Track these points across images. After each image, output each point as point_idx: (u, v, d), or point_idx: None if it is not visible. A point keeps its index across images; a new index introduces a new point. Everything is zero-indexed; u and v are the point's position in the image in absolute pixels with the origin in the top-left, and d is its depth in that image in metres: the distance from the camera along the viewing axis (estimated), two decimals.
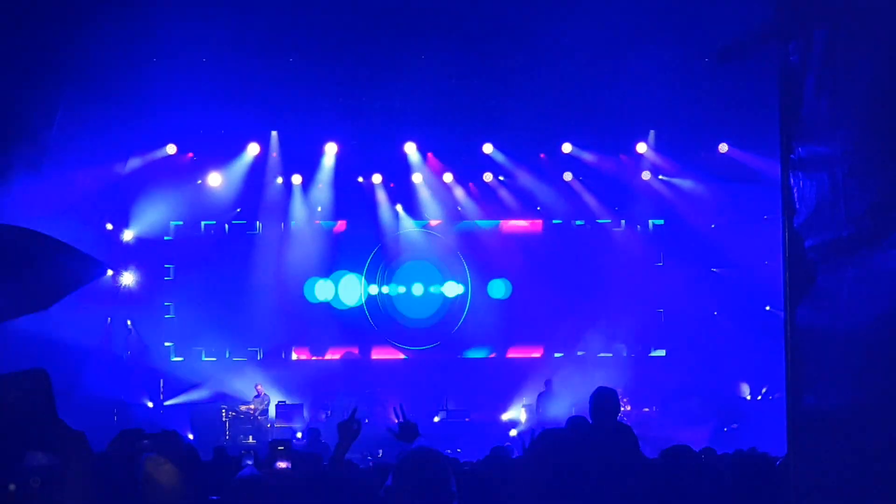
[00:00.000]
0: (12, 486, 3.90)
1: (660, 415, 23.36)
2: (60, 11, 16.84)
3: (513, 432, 22.94)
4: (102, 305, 23.27)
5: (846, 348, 4.08)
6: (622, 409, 23.27)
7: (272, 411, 23.42)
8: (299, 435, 21.56)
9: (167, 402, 23.83)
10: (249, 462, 10.67)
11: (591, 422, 9.16)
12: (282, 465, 6.63)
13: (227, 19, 20.51)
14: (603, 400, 9.23)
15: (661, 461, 7.87)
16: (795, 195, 4.30)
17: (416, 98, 23.25)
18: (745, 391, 24.21)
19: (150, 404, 23.53)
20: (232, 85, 22.64)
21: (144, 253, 24.40)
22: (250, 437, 21.97)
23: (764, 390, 24.13)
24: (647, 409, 23.44)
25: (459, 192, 25.60)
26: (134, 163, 23.01)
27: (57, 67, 18.47)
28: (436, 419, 23.32)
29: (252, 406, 23.42)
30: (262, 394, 23.68)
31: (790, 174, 4.35)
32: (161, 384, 24.16)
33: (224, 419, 22.97)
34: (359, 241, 26.01)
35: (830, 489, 4.36)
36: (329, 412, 23.30)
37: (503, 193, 25.60)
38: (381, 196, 25.55)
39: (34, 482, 3.92)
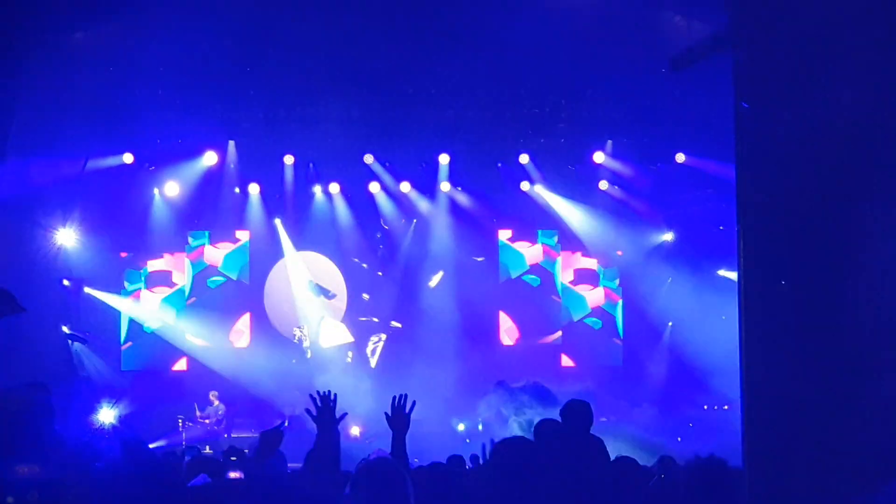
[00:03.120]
0: (10, 500, 3.85)
1: (616, 424, 23.35)
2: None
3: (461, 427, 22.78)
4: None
5: (800, 356, 4.09)
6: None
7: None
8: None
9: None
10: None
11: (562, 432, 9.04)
12: (234, 474, 6.55)
13: (186, 31, 20.53)
14: (574, 412, 9.12)
15: (611, 471, 7.84)
16: (750, 201, 4.31)
17: (374, 109, 23.30)
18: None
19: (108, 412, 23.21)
20: (189, 95, 22.64)
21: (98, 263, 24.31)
22: (207, 447, 21.80)
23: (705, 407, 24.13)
24: (604, 419, 23.40)
25: (419, 202, 25.46)
26: (93, 164, 22.90)
27: (19, 64, 18.53)
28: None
29: (207, 416, 23.32)
30: (216, 403, 23.55)
31: (745, 181, 4.36)
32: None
33: (180, 428, 22.82)
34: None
35: (785, 495, 4.36)
36: (287, 421, 23.01)
37: (460, 202, 25.53)
38: (341, 206, 25.39)
39: (31, 496, 3.86)
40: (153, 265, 25.18)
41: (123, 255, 24.92)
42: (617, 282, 26.23)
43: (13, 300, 4.39)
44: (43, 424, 3.90)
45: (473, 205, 25.48)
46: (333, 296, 25.86)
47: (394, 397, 7.32)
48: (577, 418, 9.11)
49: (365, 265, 25.67)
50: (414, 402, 7.30)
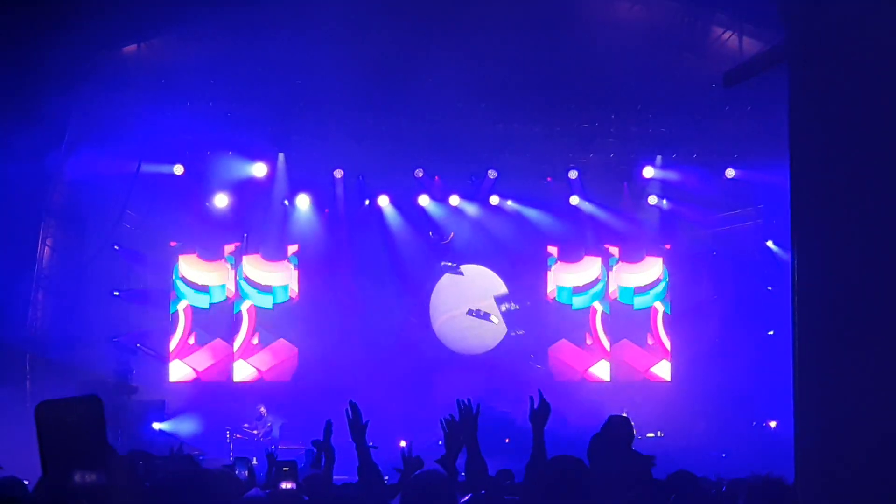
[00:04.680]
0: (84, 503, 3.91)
1: (667, 440, 23.23)
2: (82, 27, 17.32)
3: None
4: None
5: (855, 370, 4.06)
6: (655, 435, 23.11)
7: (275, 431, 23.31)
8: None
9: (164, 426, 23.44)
10: (245, 472, 10.56)
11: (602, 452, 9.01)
12: (286, 485, 6.55)
13: (235, 45, 20.79)
14: (615, 429, 9.09)
15: (666, 485, 7.79)
16: (804, 218, 4.29)
17: (423, 123, 23.37)
18: None
19: (157, 426, 23.21)
20: (240, 107, 22.85)
21: (150, 269, 24.55)
22: (254, 459, 21.81)
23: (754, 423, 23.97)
24: (651, 435, 23.31)
25: (470, 210, 25.36)
26: (146, 168, 23.14)
27: (75, 74, 18.93)
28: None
29: (255, 429, 23.29)
30: (264, 416, 23.52)
31: (800, 194, 4.34)
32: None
33: (228, 441, 22.85)
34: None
35: None
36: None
37: (508, 216, 25.42)
38: (392, 217, 25.30)
39: None
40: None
41: (173, 244, 25.04)
42: (664, 294, 26.11)
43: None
44: (98, 436, 3.94)
45: (522, 219, 25.39)
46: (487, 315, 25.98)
47: (458, 401, 7.15)
48: (615, 434, 9.10)
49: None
50: (478, 405, 7.12)
